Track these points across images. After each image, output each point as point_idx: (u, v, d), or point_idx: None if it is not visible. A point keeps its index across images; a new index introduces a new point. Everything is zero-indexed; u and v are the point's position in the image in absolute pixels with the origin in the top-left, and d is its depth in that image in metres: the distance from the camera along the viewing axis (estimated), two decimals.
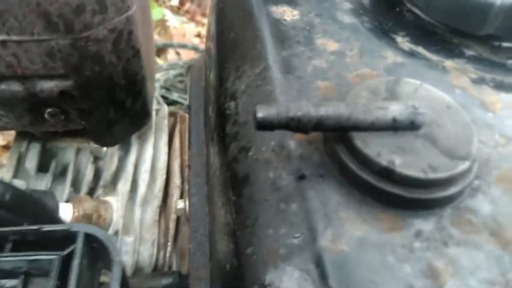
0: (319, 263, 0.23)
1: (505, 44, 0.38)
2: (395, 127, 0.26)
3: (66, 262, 0.43)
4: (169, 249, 0.62)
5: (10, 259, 0.43)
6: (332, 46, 0.37)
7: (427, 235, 0.24)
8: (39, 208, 0.50)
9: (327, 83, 0.33)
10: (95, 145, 0.70)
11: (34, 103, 0.55)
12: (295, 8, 0.41)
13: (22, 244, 0.45)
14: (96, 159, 0.72)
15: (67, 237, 0.43)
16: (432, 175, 0.24)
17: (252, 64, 0.37)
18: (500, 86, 0.35)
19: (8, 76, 0.50)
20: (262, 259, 0.25)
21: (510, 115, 0.32)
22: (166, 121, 0.72)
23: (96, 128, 0.61)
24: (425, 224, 0.24)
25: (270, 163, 0.28)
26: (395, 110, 0.26)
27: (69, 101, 0.55)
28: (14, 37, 0.47)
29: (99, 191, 0.69)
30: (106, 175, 0.68)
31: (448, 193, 0.25)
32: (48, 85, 0.52)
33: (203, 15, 2.78)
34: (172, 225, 0.63)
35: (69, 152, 0.74)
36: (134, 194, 0.66)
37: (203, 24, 2.70)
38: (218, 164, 0.41)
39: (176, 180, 0.67)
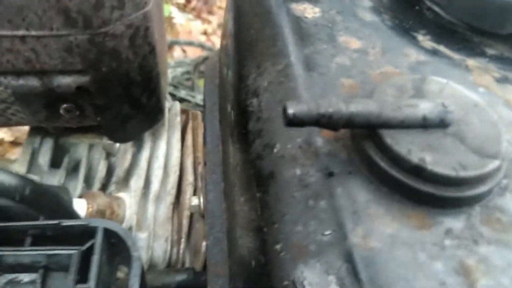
0: (350, 260, 0.23)
1: None
2: (424, 125, 0.26)
3: (85, 257, 0.43)
4: (182, 245, 0.62)
5: (30, 253, 0.43)
6: (355, 43, 0.37)
7: (457, 233, 0.24)
8: (56, 203, 0.50)
9: (351, 80, 0.33)
10: (108, 141, 0.70)
11: (50, 99, 0.55)
12: (316, 5, 0.41)
13: (41, 238, 0.45)
14: (109, 155, 0.72)
15: (86, 232, 0.44)
16: (462, 173, 0.24)
17: (273, 62, 0.37)
18: None
19: (27, 71, 0.51)
20: (291, 256, 0.25)
21: None
22: (178, 118, 0.73)
23: (111, 124, 0.61)
24: (455, 222, 0.24)
25: (297, 160, 0.29)
26: (425, 108, 0.26)
27: (85, 96, 0.56)
28: (34, 32, 0.47)
29: (112, 187, 0.69)
30: (119, 171, 0.68)
31: (478, 192, 0.25)
32: (66, 81, 0.53)
33: (210, 12, 2.77)
34: (185, 222, 0.63)
35: (81, 148, 0.74)
36: (147, 190, 0.66)
37: (209, 22, 2.69)
38: (239, 161, 0.41)
39: (189, 177, 0.67)
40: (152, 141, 0.69)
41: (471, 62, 0.37)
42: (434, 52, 0.37)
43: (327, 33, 0.38)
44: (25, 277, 0.45)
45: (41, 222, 0.44)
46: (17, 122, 0.62)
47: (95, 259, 0.41)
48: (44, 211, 0.47)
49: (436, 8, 0.40)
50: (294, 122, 0.25)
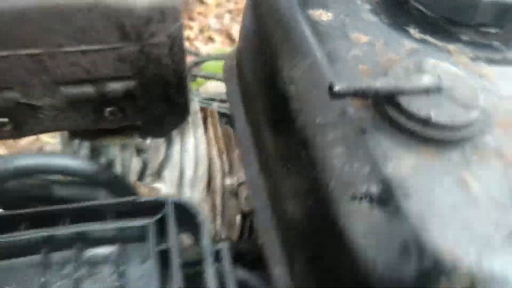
0: (386, 183, 0.34)
1: (491, 30, 0.50)
2: (427, 91, 0.37)
3: (158, 227, 0.53)
4: (218, 221, 0.72)
5: (112, 226, 0.52)
6: (364, 38, 0.48)
7: (456, 160, 0.35)
8: (123, 186, 0.59)
9: (365, 66, 0.44)
10: (139, 140, 0.80)
11: (99, 103, 0.65)
12: (328, 11, 0.52)
13: (116, 215, 0.54)
14: (140, 152, 0.82)
15: (155, 206, 0.53)
16: (456, 121, 0.36)
17: (302, 57, 0.48)
18: (491, 62, 0.47)
19: (84, 80, 0.60)
20: (342, 190, 0.36)
21: (502, 83, 0.44)
22: (199, 115, 0.83)
23: (149, 122, 0.71)
24: (454, 154, 0.36)
25: (336, 125, 0.39)
26: (426, 80, 0.37)
27: (129, 100, 0.65)
28: (94, 47, 0.56)
29: (147, 180, 0.79)
30: (153, 165, 0.78)
31: (467, 134, 0.36)
32: (115, 86, 0.62)
33: (190, 18, 2.86)
34: (218, 201, 0.73)
35: (113, 149, 0.83)
36: (182, 179, 0.76)
37: (190, 27, 2.78)
38: (273, 138, 0.52)
39: (217, 165, 0.77)
40: (180, 136, 0.79)
41: (451, 47, 0.49)
42: (423, 41, 0.49)
43: (341, 32, 0.49)
44: (107, 249, 0.54)
45: (120, 199, 0.53)
46: (64, 127, 0.71)
47: (171, 223, 0.51)
48: (116, 192, 0.56)
49: (421, 7, 0.52)
50: (338, 95, 0.36)
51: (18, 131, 0.66)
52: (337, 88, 0.35)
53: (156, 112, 0.69)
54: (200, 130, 0.81)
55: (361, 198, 0.34)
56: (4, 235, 0.50)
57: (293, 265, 0.47)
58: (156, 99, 0.67)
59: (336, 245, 0.37)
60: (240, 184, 0.74)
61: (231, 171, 0.76)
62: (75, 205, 0.51)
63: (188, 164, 0.76)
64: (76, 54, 0.56)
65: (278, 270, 0.48)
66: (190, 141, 0.78)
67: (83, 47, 0.56)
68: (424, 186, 0.34)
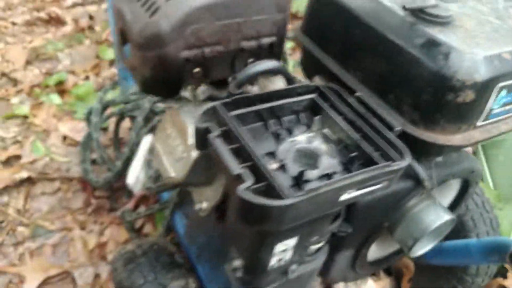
0: None
1: None
2: None
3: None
4: None
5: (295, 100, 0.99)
6: None
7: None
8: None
9: None
10: None
11: (253, 55, 1.12)
12: None
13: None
14: None
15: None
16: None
17: None
18: None
19: (253, 37, 1.07)
20: None
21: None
22: None
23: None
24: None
25: None
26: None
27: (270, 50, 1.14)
28: (264, 17, 1.04)
29: None
30: None
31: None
32: (267, 40, 1.10)
33: None
34: None
35: None
36: None
37: None
38: None
39: None
40: None
41: None
42: None
43: None
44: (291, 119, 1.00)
45: (299, 84, 1.00)
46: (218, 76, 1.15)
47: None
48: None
49: None
50: None
51: (205, 76, 1.10)
52: None
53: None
54: None
55: None
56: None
57: None
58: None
59: None
60: None
61: None
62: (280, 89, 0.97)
63: None
64: (253, 21, 1.04)
65: None
66: None
67: (256, 18, 1.04)
68: None
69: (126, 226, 2.03)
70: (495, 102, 0.92)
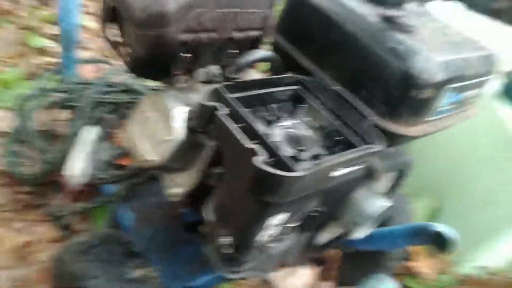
0: None
1: None
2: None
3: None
4: None
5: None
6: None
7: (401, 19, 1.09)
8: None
9: None
10: None
11: (239, 46, 1.19)
12: None
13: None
14: None
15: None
16: None
17: None
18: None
19: (244, 28, 1.14)
20: None
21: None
22: None
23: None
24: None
25: None
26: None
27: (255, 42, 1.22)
28: (255, 10, 1.12)
29: None
30: None
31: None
32: (254, 33, 1.18)
33: None
34: None
35: None
36: None
37: None
38: None
39: None
40: None
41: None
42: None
43: None
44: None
45: (284, 75, 1.10)
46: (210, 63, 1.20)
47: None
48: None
49: None
50: None
51: (194, 62, 1.14)
52: None
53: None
54: None
55: None
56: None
57: None
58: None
59: None
60: None
61: None
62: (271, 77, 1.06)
63: None
64: (247, 13, 1.11)
65: None
66: None
67: (250, 10, 1.12)
68: None
69: (59, 223, 1.90)
70: (444, 101, 1.12)
